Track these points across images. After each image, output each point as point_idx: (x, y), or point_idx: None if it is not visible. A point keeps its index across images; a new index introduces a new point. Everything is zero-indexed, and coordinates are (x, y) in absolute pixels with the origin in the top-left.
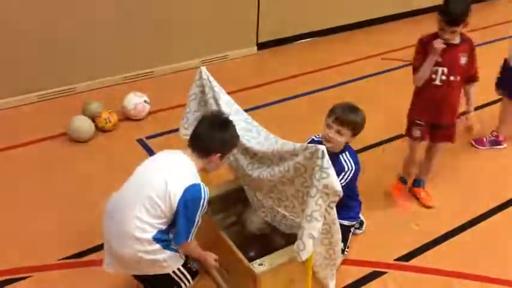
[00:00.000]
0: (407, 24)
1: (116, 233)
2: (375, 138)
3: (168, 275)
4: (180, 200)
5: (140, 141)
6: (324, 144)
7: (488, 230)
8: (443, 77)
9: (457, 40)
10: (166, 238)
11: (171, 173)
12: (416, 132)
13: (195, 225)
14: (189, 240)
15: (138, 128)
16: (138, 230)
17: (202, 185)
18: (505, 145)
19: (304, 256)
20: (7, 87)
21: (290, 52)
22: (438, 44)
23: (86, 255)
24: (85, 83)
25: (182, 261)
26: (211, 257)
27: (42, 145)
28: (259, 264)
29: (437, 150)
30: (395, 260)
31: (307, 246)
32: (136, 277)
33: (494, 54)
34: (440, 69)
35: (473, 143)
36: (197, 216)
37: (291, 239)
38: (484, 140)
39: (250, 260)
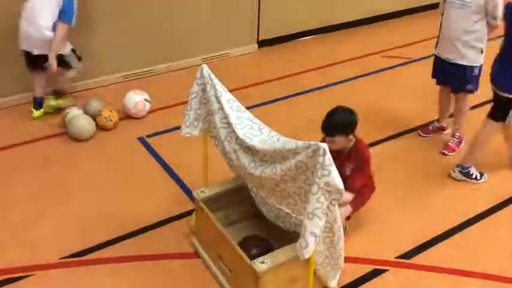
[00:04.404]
0: (409, 22)
1: (31, 24)
2: (375, 136)
3: (62, 55)
4: None
5: (141, 139)
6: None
7: (490, 227)
8: None
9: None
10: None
11: None
12: None
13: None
14: (73, 21)
15: (139, 127)
16: (44, 20)
17: None
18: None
19: (306, 254)
20: (7, 86)
21: (291, 50)
22: None
23: (88, 253)
24: (85, 82)
25: (71, 46)
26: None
27: (42, 144)
28: (261, 263)
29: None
30: (396, 257)
31: (310, 244)
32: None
33: None
34: None
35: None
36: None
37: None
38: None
39: (253, 258)
